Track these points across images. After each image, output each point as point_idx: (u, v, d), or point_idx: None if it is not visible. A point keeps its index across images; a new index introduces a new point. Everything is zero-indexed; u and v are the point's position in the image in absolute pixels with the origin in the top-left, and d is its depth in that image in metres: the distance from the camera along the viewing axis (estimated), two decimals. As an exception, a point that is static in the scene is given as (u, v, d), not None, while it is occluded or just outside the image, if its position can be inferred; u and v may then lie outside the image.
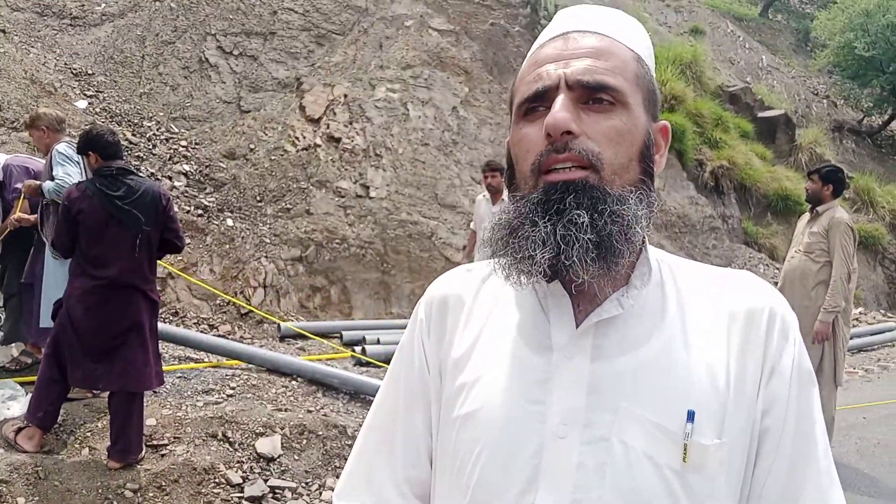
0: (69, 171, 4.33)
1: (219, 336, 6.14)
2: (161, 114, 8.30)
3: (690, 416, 0.82)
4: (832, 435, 4.94)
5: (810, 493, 0.85)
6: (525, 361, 0.89)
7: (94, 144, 3.81)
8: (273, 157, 8.21)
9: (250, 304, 6.85)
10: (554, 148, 0.83)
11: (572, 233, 0.80)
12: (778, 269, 11.20)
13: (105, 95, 8.05)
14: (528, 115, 0.89)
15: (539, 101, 0.87)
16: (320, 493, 4.09)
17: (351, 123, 8.82)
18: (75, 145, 4.63)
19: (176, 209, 4.28)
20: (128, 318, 3.77)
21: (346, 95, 9.07)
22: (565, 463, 0.83)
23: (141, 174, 4.08)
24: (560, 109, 0.83)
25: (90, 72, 8.21)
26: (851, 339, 9.35)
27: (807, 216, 5.28)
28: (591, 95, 0.85)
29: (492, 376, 0.91)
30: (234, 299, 6.72)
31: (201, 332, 6.13)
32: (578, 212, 0.81)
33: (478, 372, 0.92)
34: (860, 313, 11.04)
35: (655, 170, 0.91)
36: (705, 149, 12.36)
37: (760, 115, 14.32)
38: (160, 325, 4.42)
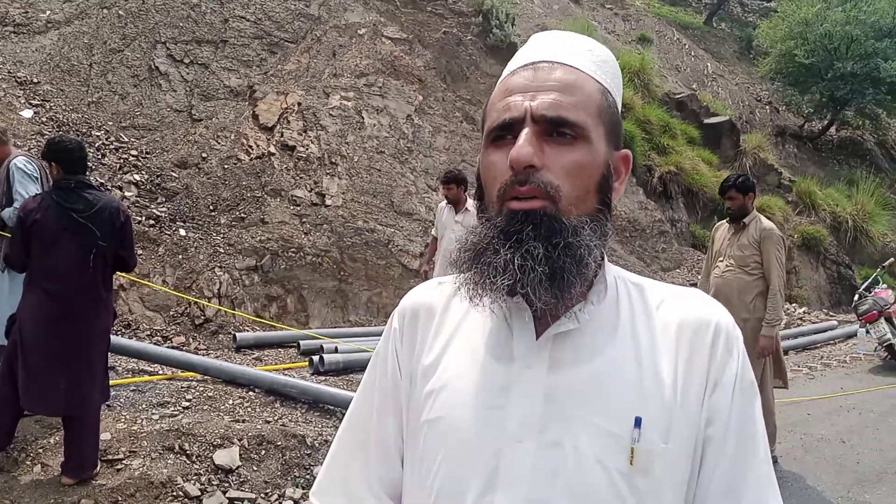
0: (30, 191, 4.25)
1: (173, 348, 6.07)
2: (110, 123, 8.16)
3: (637, 422, 0.88)
4: (776, 435, 5.08)
5: (750, 492, 0.91)
6: (488, 370, 0.95)
7: (59, 156, 3.73)
8: (226, 166, 8.15)
9: (205, 315, 6.78)
10: (517, 179, 0.89)
11: (529, 263, 0.86)
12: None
13: (51, 104, 7.88)
14: (496, 142, 0.95)
15: (507, 131, 0.93)
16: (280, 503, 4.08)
17: (305, 131, 8.81)
18: (32, 158, 4.54)
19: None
20: (79, 333, 3.70)
21: (299, 103, 9.05)
22: (521, 466, 0.89)
23: (101, 189, 4.01)
24: (524, 144, 0.89)
25: (35, 80, 8.02)
26: (796, 338, 9.70)
27: (725, 226, 5.27)
28: (554, 129, 0.91)
29: (457, 384, 0.96)
30: (196, 300, 6.65)
31: (154, 343, 6.05)
32: (535, 244, 0.87)
33: (444, 379, 0.98)
34: (804, 312, 11.42)
35: (614, 197, 0.97)
36: (654, 155, 12.66)
37: (706, 121, 14.71)
38: (113, 339, 4.36)
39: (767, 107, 18.64)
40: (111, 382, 4.29)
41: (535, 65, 0.96)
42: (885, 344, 8.26)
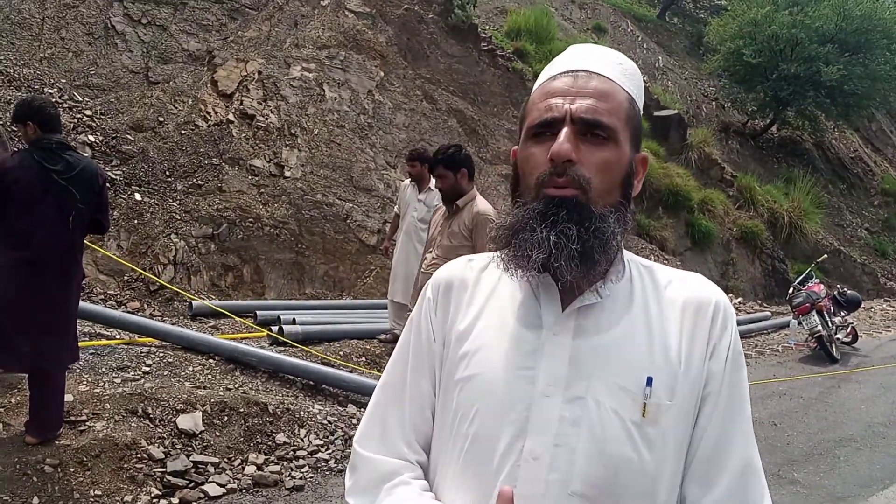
0: None
1: (128, 312, 6.01)
2: (63, 80, 7.93)
3: (649, 381, 1.03)
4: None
5: (738, 444, 1.07)
6: (519, 336, 1.09)
7: (36, 115, 3.64)
8: (183, 132, 8.02)
9: (161, 281, 6.71)
10: (555, 171, 1.03)
11: (563, 241, 1.00)
12: (668, 259, 11.93)
13: (1, 58, 7.61)
14: (535, 137, 1.08)
15: (547, 128, 1.06)
16: (243, 468, 4.14)
17: (265, 101, 8.72)
18: None
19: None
20: (51, 295, 3.67)
21: (259, 72, 8.94)
22: (549, 416, 1.03)
23: (78, 151, 3.94)
24: (564, 141, 1.02)
25: (-16, 31, 7.74)
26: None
27: (443, 210, 4.52)
28: (589, 130, 1.05)
29: (490, 347, 1.10)
30: (148, 275, 6.57)
31: (109, 308, 5.98)
32: (569, 225, 1.01)
33: (478, 343, 1.11)
34: (739, 303, 11.92)
35: (633, 193, 1.12)
36: (605, 144, 12.90)
37: (656, 113, 15.06)
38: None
39: (714, 103, 19.19)
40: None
41: (575, 72, 1.10)
42: (815, 335, 8.74)
